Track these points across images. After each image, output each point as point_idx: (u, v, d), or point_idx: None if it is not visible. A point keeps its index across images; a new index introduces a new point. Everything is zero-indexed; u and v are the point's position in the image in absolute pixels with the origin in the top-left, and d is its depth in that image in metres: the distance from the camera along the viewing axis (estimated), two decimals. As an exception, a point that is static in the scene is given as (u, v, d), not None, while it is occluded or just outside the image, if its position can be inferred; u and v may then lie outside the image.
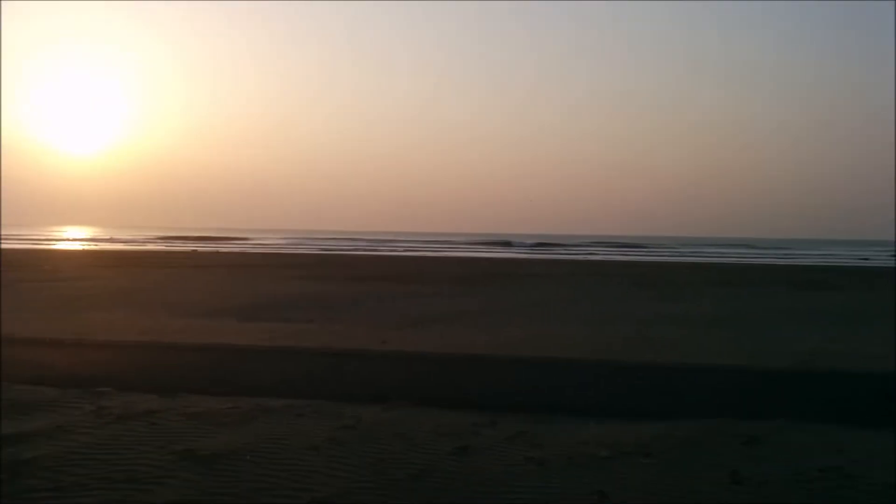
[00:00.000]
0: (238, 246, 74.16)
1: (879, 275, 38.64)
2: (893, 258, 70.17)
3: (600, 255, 64.14)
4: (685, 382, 8.65)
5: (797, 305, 19.96)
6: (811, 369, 9.77)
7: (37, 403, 6.75)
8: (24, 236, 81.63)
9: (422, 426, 6.17)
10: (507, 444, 5.75)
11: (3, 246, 50.69)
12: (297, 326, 13.56)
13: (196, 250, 59.76)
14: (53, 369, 8.62)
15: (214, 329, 13.03)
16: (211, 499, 4.57)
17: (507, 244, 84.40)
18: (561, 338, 12.69)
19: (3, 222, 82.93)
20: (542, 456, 5.44)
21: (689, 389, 8.26)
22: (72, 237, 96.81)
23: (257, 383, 8.03)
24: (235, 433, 5.89)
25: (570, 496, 4.72)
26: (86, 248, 65.34)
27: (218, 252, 56.91)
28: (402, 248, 71.15)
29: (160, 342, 11.04)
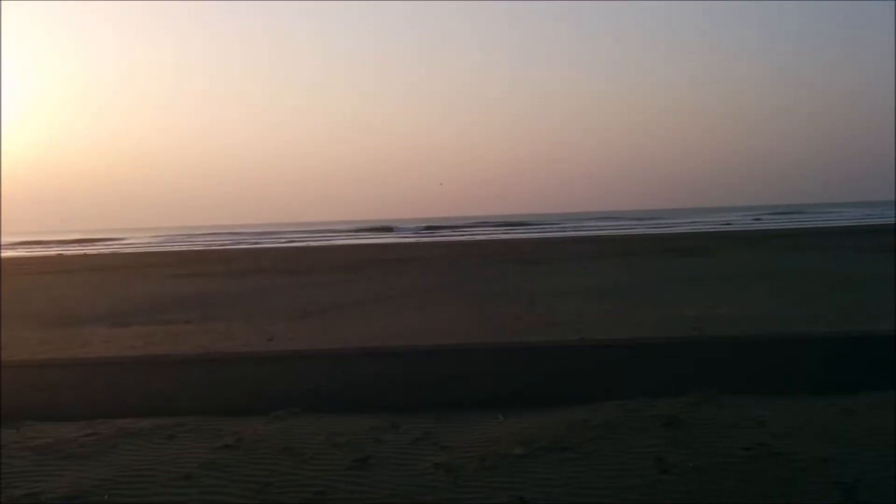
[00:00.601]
0: (109, 247, 70.15)
1: (744, 238, 40.57)
2: (755, 221, 74.58)
3: (483, 236, 64.52)
4: (586, 361, 8.27)
5: (675, 272, 20.43)
6: (706, 337, 9.68)
7: None
8: None
9: (314, 437, 5.42)
10: (412, 450, 5.11)
11: None
12: (174, 329, 12.63)
13: (62, 254, 55.92)
14: None
15: (80, 339, 11.85)
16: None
17: (389, 230, 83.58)
18: (453, 322, 12.26)
19: None
20: (451, 460, 4.84)
21: (593, 369, 7.86)
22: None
23: (122, 402, 6.97)
24: (91, 467, 4.95)
25: (487, 505, 4.17)
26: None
27: (86, 254, 53.45)
28: (284, 240, 69.14)
29: (9, 360, 9.72)
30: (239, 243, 65.46)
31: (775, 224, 68.81)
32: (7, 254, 61.86)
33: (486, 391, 6.94)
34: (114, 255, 51.04)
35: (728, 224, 70.41)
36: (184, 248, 58.83)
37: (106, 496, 4.39)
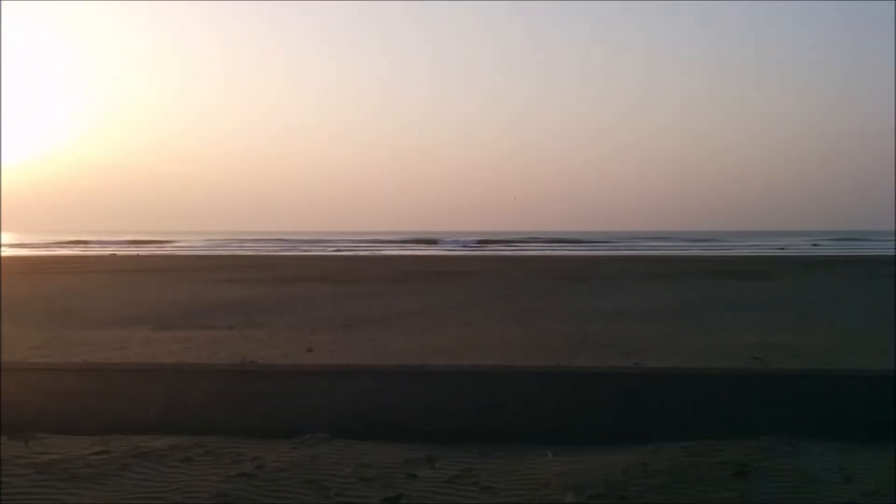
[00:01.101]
0: (161, 249, 71.30)
1: (801, 264, 39.14)
2: (813, 246, 72.29)
3: (532, 251, 63.72)
4: (642, 391, 7.61)
5: (730, 296, 19.59)
6: (771, 370, 8.96)
7: None
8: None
9: (341, 468, 4.89)
10: (449, 490, 4.55)
11: None
12: (215, 334, 12.41)
13: (115, 254, 56.91)
14: None
15: (121, 341, 11.67)
16: None
17: (433, 242, 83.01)
18: (499, 339, 11.75)
19: None
20: (494, 505, 4.30)
21: (650, 401, 7.19)
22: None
23: (142, 415, 6.54)
24: (93, 491, 4.51)
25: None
26: (-7, 254, 61.47)
27: (139, 255, 54.29)
28: (332, 248, 69.36)
29: (35, 364, 9.45)
30: (287, 250, 65.80)
31: (834, 250, 66.57)
32: (62, 251, 63.32)
33: (534, 421, 6.36)
34: (165, 257, 51.71)
35: (785, 248, 68.32)
36: (233, 253, 59.35)
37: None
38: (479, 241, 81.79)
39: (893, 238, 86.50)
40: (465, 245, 75.48)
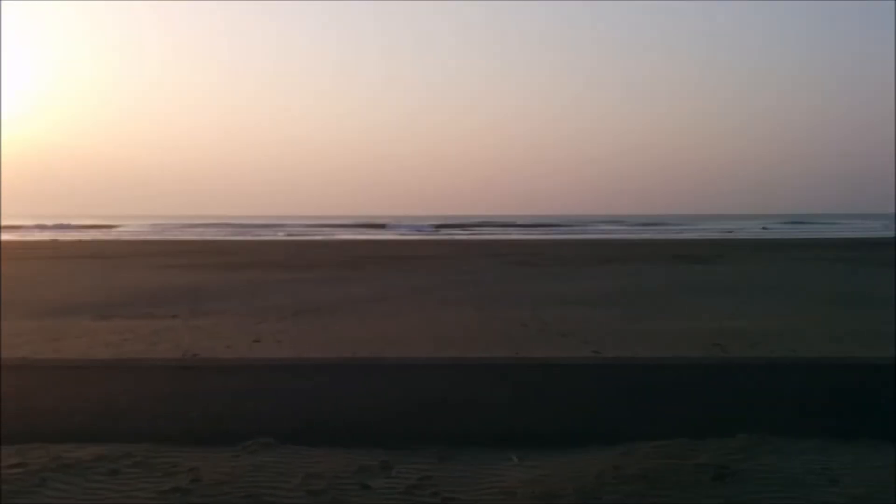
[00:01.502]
0: (106, 234, 69.25)
1: (752, 247, 39.69)
2: (762, 230, 73.69)
3: (486, 236, 63.55)
4: (606, 384, 7.26)
5: (684, 280, 19.64)
6: (736, 359, 8.74)
7: None
8: None
9: (287, 479, 4.42)
10: (408, 501, 4.15)
11: None
12: (158, 324, 11.87)
13: (56, 239, 54.98)
14: None
15: (57, 332, 11.05)
16: None
17: (381, 226, 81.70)
18: (455, 326, 11.46)
19: None
20: (454, 519, 3.89)
21: (615, 394, 6.85)
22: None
23: (68, 420, 5.93)
24: (3, 514, 4.00)
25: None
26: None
27: (81, 241, 52.53)
28: (283, 233, 68.19)
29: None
30: (236, 235, 64.49)
31: (783, 233, 67.91)
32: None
33: (494, 419, 5.96)
34: (109, 242, 50.14)
35: (735, 232, 69.44)
36: (181, 238, 57.89)
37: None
38: (434, 226, 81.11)
39: (841, 221, 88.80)
40: (419, 229, 74.90)
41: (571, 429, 5.67)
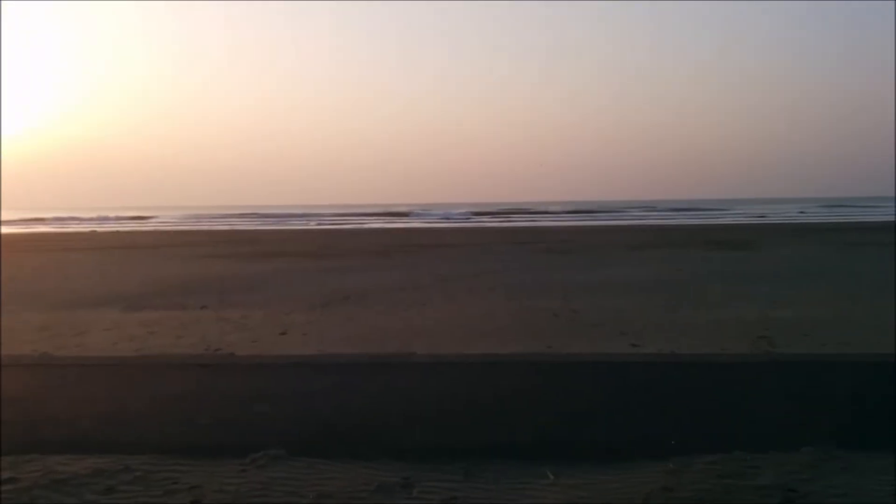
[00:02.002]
0: (143, 225, 69.85)
1: (787, 231, 38.63)
2: (800, 214, 71.87)
3: (518, 223, 62.84)
4: (648, 386, 6.67)
5: (722, 267, 18.93)
6: (781, 354, 8.09)
7: None
8: None
9: (298, 498, 3.98)
10: (429, 527, 3.71)
11: None
12: (187, 315, 11.67)
13: (95, 230, 55.51)
14: None
15: (84, 324, 10.88)
16: None
17: (404, 214, 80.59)
18: (485, 317, 11.05)
19: None
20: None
21: (659, 399, 6.21)
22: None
23: (71, 427, 5.49)
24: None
25: None
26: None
27: (118, 232, 52.94)
28: (314, 222, 68.13)
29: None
30: (268, 224, 64.61)
31: (821, 217, 66.15)
32: (40, 229, 61.79)
33: (526, 428, 5.43)
34: (146, 233, 50.48)
35: (771, 216, 67.85)
36: (214, 228, 58.16)
37: None
38: (469, 214, 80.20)
39: (881, 204, 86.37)
40: (449, 217, 74.21)
41: (613, 438, 5.14)
